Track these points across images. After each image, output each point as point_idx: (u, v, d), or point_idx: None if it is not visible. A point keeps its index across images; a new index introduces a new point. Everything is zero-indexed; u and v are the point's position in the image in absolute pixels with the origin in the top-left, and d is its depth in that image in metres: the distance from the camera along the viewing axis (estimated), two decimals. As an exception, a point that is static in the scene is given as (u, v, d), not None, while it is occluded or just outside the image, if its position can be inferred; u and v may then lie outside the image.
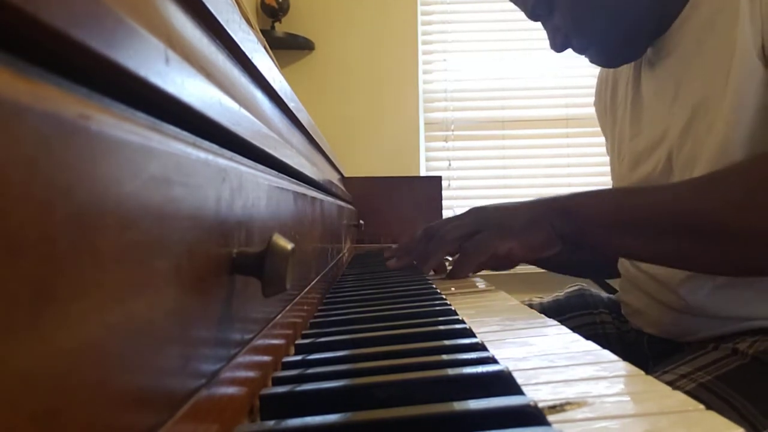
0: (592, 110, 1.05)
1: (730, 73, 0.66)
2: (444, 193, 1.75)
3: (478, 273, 0.81)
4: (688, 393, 0.59)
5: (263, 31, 2.00)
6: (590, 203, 0.72)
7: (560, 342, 0.40)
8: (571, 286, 1.00)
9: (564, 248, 0.72)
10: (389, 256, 0.86)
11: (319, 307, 0.58)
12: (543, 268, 0.99)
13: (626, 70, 0.89)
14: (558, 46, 0.80)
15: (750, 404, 0.59)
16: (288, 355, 0.39)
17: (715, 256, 0.63)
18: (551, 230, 0.70)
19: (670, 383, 0.59)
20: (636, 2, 0.75)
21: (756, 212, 0.59)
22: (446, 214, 1.76)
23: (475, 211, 0.77)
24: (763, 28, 0.63)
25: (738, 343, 0.66)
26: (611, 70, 0.95)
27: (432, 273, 0.82)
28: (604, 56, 0.82)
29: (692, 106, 0.72)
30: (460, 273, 0.77)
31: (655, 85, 0.80)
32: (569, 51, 0.82)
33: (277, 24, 2.15)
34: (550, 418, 0.25)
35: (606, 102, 0.96)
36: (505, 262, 0.74)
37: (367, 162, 2.13)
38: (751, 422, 0.57)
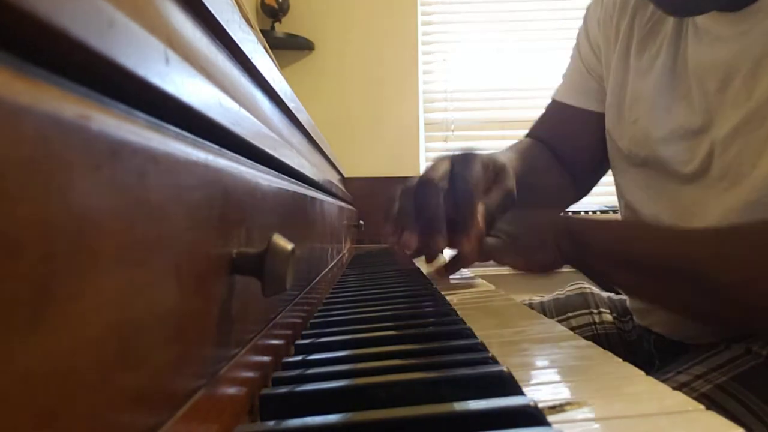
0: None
1: None
2: (444, 193, 1.75)
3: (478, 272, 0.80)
4: (704, 395, 0.57)
5: (263, 32, 2.00)
6: (598, 232, 0.70)
7: (560, 342, 0.40)
8: (572, 285, 1.00)
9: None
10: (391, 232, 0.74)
11: (319, 308, 0.58)
12: None
13: (647, 27, 0.78)
14: None
15: (766, 405, 0.58)
16: (288, 355, 0.39)
17: (724, 315, 0.61)
18: (557, 251, 0.69)
19: (685, 384, 0.57)
20: None
21: (756, 275, 0.56)
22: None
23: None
24: None
25: (751, 343, 0.66)
26: (614, 10, 0.83)
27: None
28: None
29: (752, 104, 0.63)
30: (456, 268, 0.75)
31: (707, 62, 0.68)
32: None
33: (277, 24, 2.15)
34: (551, 418, 0.25)
35: (614, 31, 0.84)
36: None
37: (367, 162, 2.13)
38: (766, 424, 0.57)
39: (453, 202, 0.68)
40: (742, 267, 0.57)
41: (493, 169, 0.72)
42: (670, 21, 0.75)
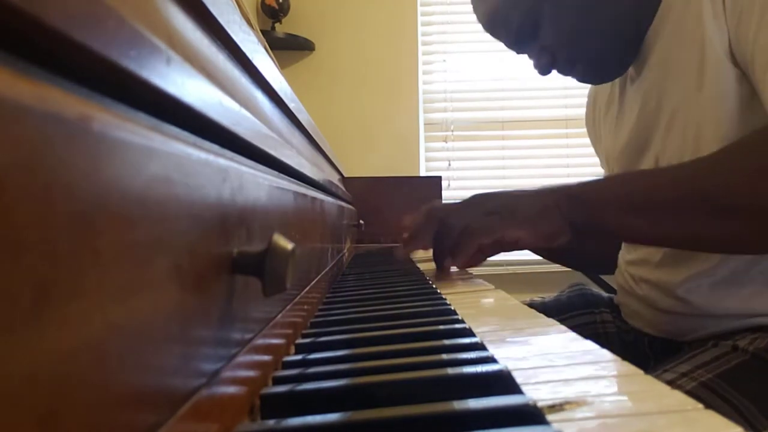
0: (591, 111, 1.06)
1: (703, 75, 0.68)
2: (444, 193, 1.75)
3: (479, 266, 0.79)
4: (689, 392, 0.59)
5: (263, 32, 2.00)
6: (601, 187, 0.71)
7: (560, 341, 0.40)
8: (572, 286, 1.00)
9: (572, 238, 0.70)
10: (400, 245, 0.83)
11: (320, 307, 0.58)
12: (538, 255, 0.98)
13: (610, 88, 0.91)
14: (544, 66, 0.82)
15: (749, 403, 0.59)
16: (288, 354, 0.39)
17: (729, 231, 0.62)
18: (561, 219, 0.68)
19: (670, 382, 0.59)
20: (617, 12, 0.76)
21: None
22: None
23: (483, 197, 0.74)
24: (728, 28, 0.65)
25: (738, 340, 0.66)
26: (597, 89, 0.97)
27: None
28: (591, 71, 0.83)
29: (671, 111, 0.74)
30: (461, 251, 0.73)
31: (637, 99, 0.81)
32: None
33: (277, 24, 2.15)
34: (550, 417, 0.25)
35: (593, 119, 0.99)
36: (511, 249, 0.72)
37: (367, 162, 2.13)
38: (750, 421, 0.57)
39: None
40: (752, 177, 0.60)
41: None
42: (617, 83, 0.88)
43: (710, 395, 0.59)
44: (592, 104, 1.00)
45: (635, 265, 0.83)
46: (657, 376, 0.62)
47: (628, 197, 0.68)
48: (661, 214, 0.65)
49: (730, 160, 0.62)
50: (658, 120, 0.77)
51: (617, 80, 0.88)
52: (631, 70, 0.83)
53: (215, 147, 0.26)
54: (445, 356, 0.35)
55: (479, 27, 0.87)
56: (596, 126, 0.99)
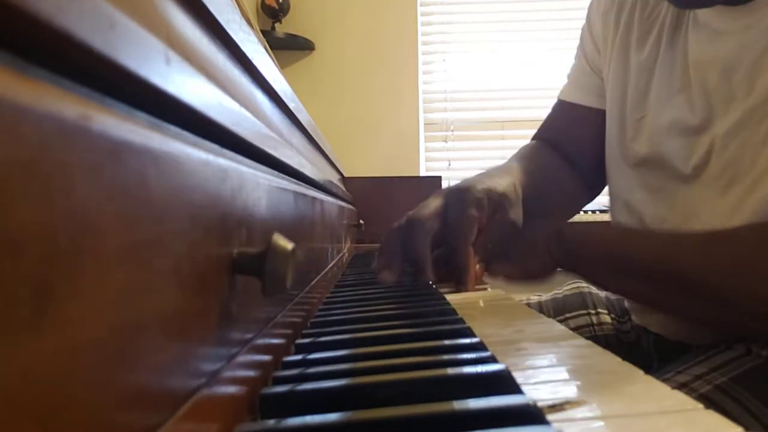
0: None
1: None
2: (444, 193, 1.75)
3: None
4: (704, 395, 0.57)
5: (263, 32, 2.00)
6: (588, 237, 0.70)
7: (560, 341, 0.40)
8: (569, 284, 0.99)
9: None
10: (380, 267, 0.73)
11: (320, 307, 0.58)
12: None
13: (650, 24, 0.77)
14: None
15: (764, 406, 0.58)
16: (288, 354, 0.39)
17: (702, 314, 0.63)
18: (547, 255, 0.69)
19: (684, 384, 0.57)
20: None
21: (744, 280, 0.57)
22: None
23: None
24: None
25: (752, 344, 0.66)
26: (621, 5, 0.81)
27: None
28: None
29: (751, 104, 0.61)
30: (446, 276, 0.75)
31: (707, 56, 0.66)
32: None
33: (277, 24, 2.15)
34: (550, 417, 0.25)
35: (613, 25, 0.82)
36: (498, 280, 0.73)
37: (367, 162, 2.13)
38: (765, 424, 0.57)
39: (444, 248, 0.68)
40: (726, 274, 0.58)
41: (491, 203, 0.70)
42: (669, 14, 0.73)
43: (725, 398, 0.58)
44: (614, 19, 0.81)
45: None
46: (670, 378, 0.63)
47: (615, 260, 0.66)
48: (646, 285, 0.64)
49: (713, 248, 0.60)
50: (728, 106, 0.63)
51: (667, 19, 0.73)
52: (708, 16, 0.66)
53: (215, 147, 0.26)
54: (445, 356, 0.35)
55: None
56: (614, 34, 0.81)
